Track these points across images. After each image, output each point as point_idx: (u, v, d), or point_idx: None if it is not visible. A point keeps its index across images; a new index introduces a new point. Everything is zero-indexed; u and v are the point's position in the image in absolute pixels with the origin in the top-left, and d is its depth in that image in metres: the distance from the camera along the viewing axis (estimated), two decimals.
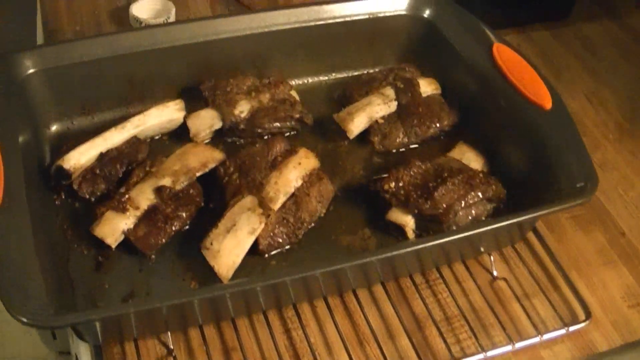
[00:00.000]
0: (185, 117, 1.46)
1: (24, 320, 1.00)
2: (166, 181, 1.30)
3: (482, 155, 1.43)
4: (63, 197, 1.34)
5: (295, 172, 1.32)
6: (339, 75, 1.63)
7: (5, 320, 1.04)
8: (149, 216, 1.27)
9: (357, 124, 1.46)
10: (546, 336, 1.22)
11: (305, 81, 1.61)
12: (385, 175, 1.35)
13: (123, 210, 1.26)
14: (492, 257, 1.31)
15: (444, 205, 1.28)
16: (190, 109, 1.47)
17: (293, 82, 1.58)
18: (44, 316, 1.03)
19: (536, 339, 1.21)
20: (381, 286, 1.27)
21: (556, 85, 1.43)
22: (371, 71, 1.62)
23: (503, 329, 1.22)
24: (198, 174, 1.34)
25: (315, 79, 1.62)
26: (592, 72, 1.77)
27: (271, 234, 1.27)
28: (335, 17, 1.54)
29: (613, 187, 1.49)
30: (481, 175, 1.34)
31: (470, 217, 1.31)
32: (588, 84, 1.73)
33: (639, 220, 1.44)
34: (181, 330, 1.19)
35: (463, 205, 1.30)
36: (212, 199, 1.34)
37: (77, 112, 1.45)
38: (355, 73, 1.63)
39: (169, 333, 1.17)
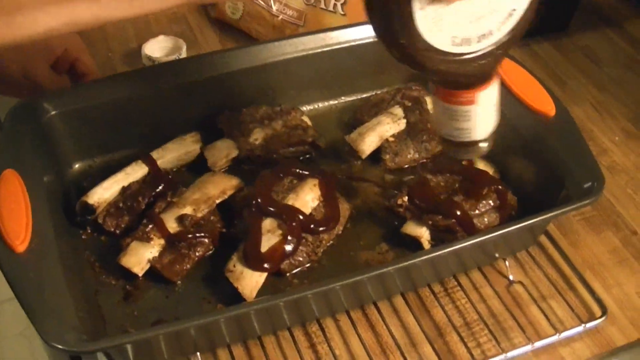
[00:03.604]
0: (202, 149, 1.50)
1: (61, 347, 1.03)
2: (187, 210, 1.34)
3: (492, 165, 1.47)
4: (89, 231, 1.38)
5: (311, 194, 1.36)
6: (349, 99, 1.67)
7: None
8: (173, 244, 1.31)
9: (368, 144, 1.50)
10: (564, 334, 1.25)
11: (316, 106, 1.65)
12: (397, 192, 1.39)
13: (148, 240, 1.30)
14: (507, 263, 1.34)
15: (457, 215, 1.32)
16: (207, 140, 1.51)
17: (304, 108, 1.62)
18: (79, 342, 1.07)
19: (555, 338, 1.24)
20: (401, 297, 1.30)
21: (561, 95, 1.46)
22: (379, 92, 1.65)
23: (522, 330, 1.25)
24: (218, 201, 1.38)
25: (326, 103, 1.66)
26: (596, 80, 1.80)
27: None
28: (340, 43, 1.58)
29: (622, 188, 1.52)
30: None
31: (483, 226, 1.34)
32: (592, 92, 1.76)
33: None
34: (210, 351, 1.23)
35: (475, 214, 1.33)
36: (233, 224, 1.37)
37: (98, 150, 1.50)
38: (364, 95, 1.67)
39: (199, 354, 1.21)
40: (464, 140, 1.16)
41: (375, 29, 0.97)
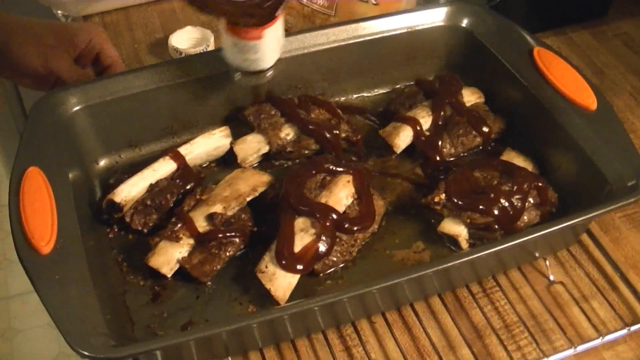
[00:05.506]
0: (231, 144, 1.46)
1: (86, 354, 1.00)
2: (217, 208, 1.30)
3: (531, 161, 1.42)
4: (116, 230, 1.35)
5: (345, 191, 1.32)
6: (382, 91, 1.62)
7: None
8: (202, 243, 1.28)
9: (403, 138, 1.45)
10: (607, 337, 1.21)
11: (349, 98, 1.61)
12: (434, 188, 1.35)
13: (177, 239, 1.26)
14: (547, 262, 1.30)
15: (496, 213, 1.28)
16: (236, 134, 1.47)
17: (336, 100, 1.58)
18: (106, 349, 1.04)
19: (597, 341, 1.20)
20: (438, 298, 1.26)
21: (600, 85, 1.41)
22: (412, 84, 1.60)
23: (563, 332, 1.21)
24: (248, 199, 1.34)
25: (359, 95, 1.61)
26: (635, 69, 1.74)
27: None
28: (373, 34, 1.53)
29: None
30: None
31: (522, 224, 1.30)
32: (632, 82, 1.71)
33: None
34: (241, 355, 1.19)
35: (515, 212, 1.29)
36: (264, 222, 1.33)
37: (124, 146, 1.46)
38: (398, 86, 1.63)
39: (230, 358, 1.18)
40: (253, 70, 1.37)
41: None
